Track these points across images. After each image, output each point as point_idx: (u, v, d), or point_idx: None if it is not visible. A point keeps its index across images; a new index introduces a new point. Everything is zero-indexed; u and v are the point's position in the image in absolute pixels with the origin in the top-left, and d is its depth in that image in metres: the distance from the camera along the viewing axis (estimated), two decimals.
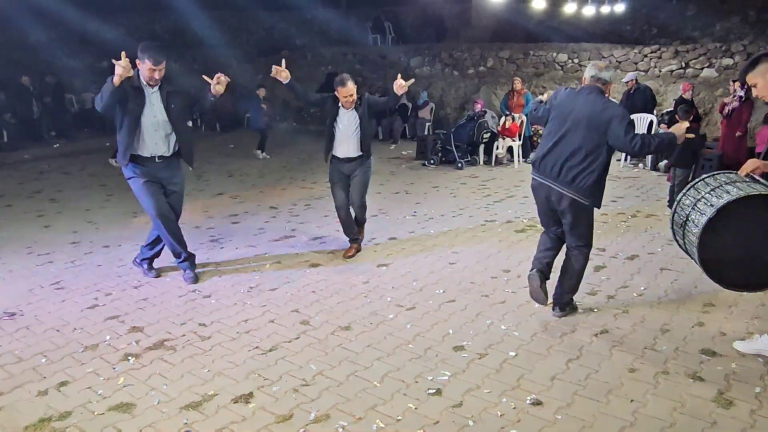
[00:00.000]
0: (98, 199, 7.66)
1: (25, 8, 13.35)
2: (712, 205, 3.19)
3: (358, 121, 5.01)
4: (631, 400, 2.93)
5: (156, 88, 4.35)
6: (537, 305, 4.10)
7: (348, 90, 4.90)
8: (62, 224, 6.46)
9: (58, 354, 3.46)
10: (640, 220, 6.33)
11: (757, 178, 3.20)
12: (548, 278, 3.92)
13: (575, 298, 4.04)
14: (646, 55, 12.65)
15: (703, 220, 3.17)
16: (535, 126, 10.36)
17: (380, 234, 5.97)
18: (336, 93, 4.97)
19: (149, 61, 4.19)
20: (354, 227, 5.32)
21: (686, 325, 3.77)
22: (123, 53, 4.06)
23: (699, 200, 3.34)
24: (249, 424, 2.77)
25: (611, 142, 3.57)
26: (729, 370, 3.20)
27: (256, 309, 4.12)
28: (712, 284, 4.10)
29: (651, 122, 9.75)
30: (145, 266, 4.81)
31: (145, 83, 4.32)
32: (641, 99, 9.93)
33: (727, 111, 8.14)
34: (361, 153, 5.07)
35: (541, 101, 4.15)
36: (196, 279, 4.64)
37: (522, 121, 10.05)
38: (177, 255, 4.68)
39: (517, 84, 10.87)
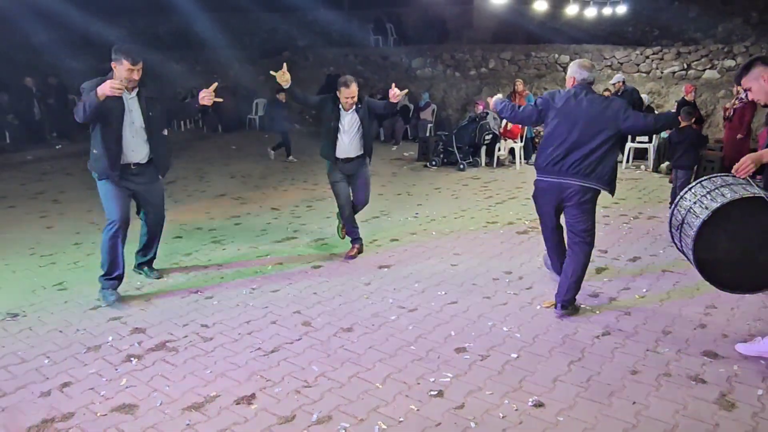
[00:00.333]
0: (101, 201, 7.67)
1: (28, 10, 13.40)
2: (707, 208, 3.24)
3: (359, 123, 5.07)
4: (633, 402, 2.92)
5: (134, 93, 4.15)
6: (539, 306, 4.11)
7: (351, 91, 4.95)
8: (65, 225, 6.48)
9: (61, 355, 3.47)
10: (642, 222, 6.32)
11: (752, 182, 3.22)
12: None
13: (577, 298, 4.05)
14: (647, 57, 12.65)
15: (698, 222, 3.23)
16: (537, 128, 10.37)
17: (382, 235, 5.97)
18: (338, 93, 5.01)
19: (127, 60, 3.97)
20: (356, 225, 5.36)
21: (688, 327, 3.77)
22: (119, 81, 3.86)
23: (695, 203, 3.39)
24: (251, 426, 2.77)
25: (629, 127, 3.89)
26: (731, 372, 3.20)
27: (258, 310, 4.12)
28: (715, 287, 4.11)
29: None
30: (146, 270, 4.78)
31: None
32: (629, 98, 10.02)
33: (728, 113, 8.14)
34: (360, 153, 5.14)
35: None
36: (118, 299, 4.24)
37: None
38: (111, 270, 4.27)
39: (519, 85, 10.88)
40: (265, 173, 9.67)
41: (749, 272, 3.32)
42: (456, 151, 9.89)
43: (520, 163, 9.96)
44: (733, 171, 3.15)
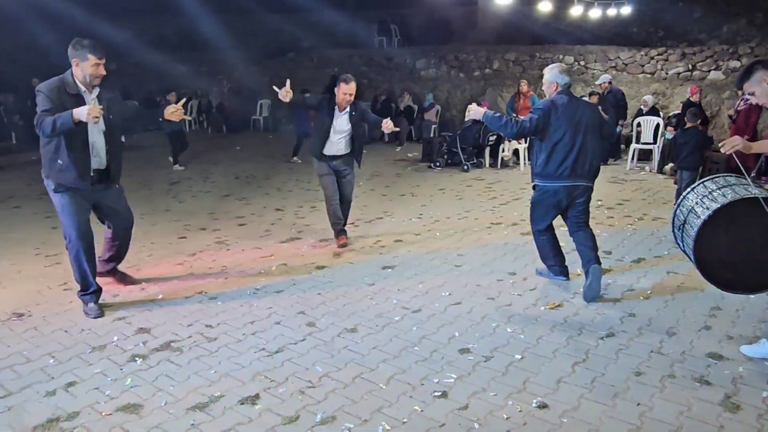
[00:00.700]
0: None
1: (35, 12, 13.48)
2: (707, 208, 3.27)
3: (350, 126, 5.37)
4: (638, 404, 2.92)
5: (95, 95, 3.87)
6: (543, 308, 4.10)
7: (350, 88, 5.22)
8: None
9: (66, 354, 3.49)
10: (646, 223, 6.31)
11: (753, 183, 3.23)
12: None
13: (579, 300, 4.08)
14: (652, 58, 12.63)
15: (699, 222, 3.24)
16: None
17: (386, 236, 5.97)
18: (336, 90, 5.27)
19: (93, 55, 3.72)
20: (341, 217, 5.63)
21: (693, 329, 3.75)
22: (99, 108, 3.63)
23: (697, 203, 3.40)
24: (255, 426, 2.78)
25: (606, 134, 4.50)
26: (736, 373, 3.19)
27: (262, 311, 4.13)
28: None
29: (657, 125, 9.73)
30: (117, 276, 4.57)
31: (83, 89, 3.81)
32: (612, 101, 10.10)
33: (733, 114, 8.12)
34: (346, 152, 5.44)
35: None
36: (101, 312, 4.06)
37: None
38: (86, 287, 4.07)
39: (524, 86, 10.87)
40: (270, 174, 9.69)
41: (750, 272, 3.35)
42: (460, 152, 9.89)
43: (524, 164, 9.95)
44: (719, 145, 3.17)
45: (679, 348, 3.50)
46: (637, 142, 9.91)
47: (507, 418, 2.81)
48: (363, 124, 5.66)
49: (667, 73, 12.41)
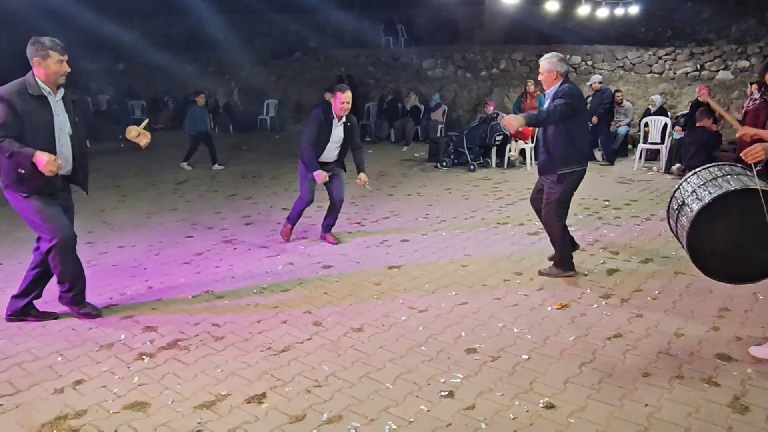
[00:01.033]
0: (113, 200, 7.75)
1: (43, 13, 13.55)
2: (710, 193, 3.27)
3: (343, 137, 5.56)
4: (645, 405, 2.90)
5: (60, 96, 3.68)
6: (550, 308, 4.09)
7: (347, 96, 5.36)
8: (78, 224, 6.41)
9: (74, 353, 3.50)
10: (654, 224, 6.27)
11: (756, 179, 3.22)
12: None
13: (586, 300, 4.04)
14: (660, 57, 12.56)
15: (697, 207, 3.24)
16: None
17: (392, 236, 5.97)
18: (332, 99, 5.43)
19: (56, 52, 3.54)
20: (300, 216, 5.87)
21: (701, 330, 3.73)
22: (57, 164, 3.45)
23: (699, 187, 3.40)
24: (262, 425, 2.78)
25: None
26: (745, 375, 3.17)
27: (268, 310, 4.14)
28: (728, 288, 4.09)
29: (665, 125, 9.68)
30: (33, 314, 3.95)
31: (47, 89, 3.61)
32: (598, 99, 10.18)
33: (741, 113, 8.07)
34: (336, 159, 5.67)
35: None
36: (98, 312, 3.94)
37: None
38: (82, 286, 3.92)
39: (531, 86, 10.85)
40: (276, 174, 9.71)
41: (740, 263, 3.37)
42: (466, 152, 9.87)
43: (531, 164, 9.92)
44: (741, 155, 3.15)
45: (687, 349, 3.48)
46: (645, 142, 9.86)
47: (514, 419, 2.81)
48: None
49: (675, 73, 12.33)
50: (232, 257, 5.34)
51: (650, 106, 10.50)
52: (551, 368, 3.27)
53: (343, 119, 5.50)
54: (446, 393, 3.03)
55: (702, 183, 3.42)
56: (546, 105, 4.48)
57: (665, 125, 9.66)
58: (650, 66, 12.61)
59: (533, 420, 2.79)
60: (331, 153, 5.59)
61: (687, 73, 12.21)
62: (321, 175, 5.44)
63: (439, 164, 10.17)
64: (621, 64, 12.90)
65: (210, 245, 5.72)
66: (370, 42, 16.63)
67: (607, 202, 7.25)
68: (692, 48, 12.53)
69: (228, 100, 16.26)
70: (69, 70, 3.64)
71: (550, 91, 4.50)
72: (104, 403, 2.96)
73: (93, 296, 4.39)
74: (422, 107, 13.41)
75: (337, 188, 5.67)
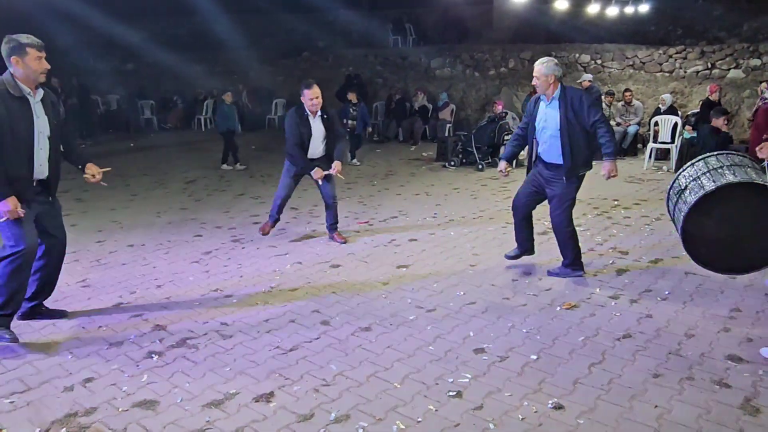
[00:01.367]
0: (123, 199, 7.79)
1: (52, 13, 13.66)
2: (714, 181, 3.28)
3: (324, 132, 5.59)
4: (656, 406, 2.88)
5: (38, 97, 3.54)
6: (558, 308, 4.07)
7: (314, 92, 5.40)
8: (88, 223, 6.58)
9: (84, 351, 3.52)
10: (663, 224, 6.23)
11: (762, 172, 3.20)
12: None
13: (596, 300, 4.02)
14: (671, 56, 12.46)
15: (696, 195, 3.24)
16: None
17: (400, 235, 5.97)
18: (301, 98, 5.47)
19: (33, 48, 3.41)
20: (281, 212, 5.92)
21: (712, 331, 3.70)
22: (20, 211, 3.40)
23: (703, 174, 3.38)
24: (270, 423, 2.79)
25: None
26: (756, 376, 3.14)
27: (277, 309, 4.14)
28: (739, 289, 4.06)
29: (675, 124, 9.62)
30: (44, 313, 3.94)
31: (27, 90, 3.46)
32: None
33: (752, 113, 7.99)
34: (323, 155, 5.67)
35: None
36: (14, 339, 3.57)
37: None
38: (15, 307, 3.60)
39: None
40: None
41: (733, 253, 3.38)
42: (475, 152, 9.85)
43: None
44: (756, 149, 3.13)
45: (697, 350, 3.45)
46: (655, 141, 9.80)
47: (522, 419, 2.79)
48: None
49: (685, 72, 12.24)
50: (240, 256, 5.36)
51: (660, 105, 10.42)
52: (560, 369, 3.26)
53: (319, 113, 5.53)
54: (454, 393, 3.02)
55: (706, 170, 3.41)
56: (560, 112, 4.36)
57: (675, 124, 9.59)
58: (660, 65, 12.53)
59: (542, 421, 2.78)
60: (316, 149, 5.63)
61: (698, 72, 12.12)
62: (318, 172, 5.49)
63: (447, 164, 10.15)
64: (631, 63, 12.82)
65: (219, 244, 5.74)
66: (379, 41, 16.62)
67: (616, 202, 7.21)
68: (703, 46, 12.43)
69: (236, 99, 16.30)
70: (48, 66, 3.50)
71: (554, 95, 4.41)
72: (114, 400, 2.98)
73: (103, 295, 4.44)
74: (430, 107, 13.39)
75: (325, 186, 5.69)
